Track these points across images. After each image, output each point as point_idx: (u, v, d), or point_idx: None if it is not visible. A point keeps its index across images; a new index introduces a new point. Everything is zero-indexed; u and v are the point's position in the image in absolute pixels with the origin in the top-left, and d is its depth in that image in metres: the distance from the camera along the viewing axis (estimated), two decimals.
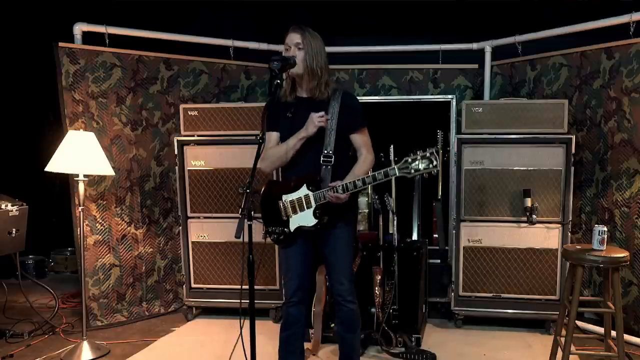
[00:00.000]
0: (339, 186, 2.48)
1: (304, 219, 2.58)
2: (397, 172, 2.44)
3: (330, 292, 3.51)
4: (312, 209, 2.56)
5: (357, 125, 2.65)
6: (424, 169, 2.41)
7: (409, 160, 2.43)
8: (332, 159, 2.56)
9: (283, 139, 2.67)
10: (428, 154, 2.40)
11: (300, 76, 2.58)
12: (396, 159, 3.57)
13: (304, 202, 2.57)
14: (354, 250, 2.83)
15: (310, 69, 2.54)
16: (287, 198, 2.60)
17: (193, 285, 4.10)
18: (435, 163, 2.40)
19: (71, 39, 3.89)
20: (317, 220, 2.56)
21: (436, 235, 4.26)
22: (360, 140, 2.66)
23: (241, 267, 3.98)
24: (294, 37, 2.55)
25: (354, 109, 2.65)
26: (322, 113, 2.54)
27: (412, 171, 2.42)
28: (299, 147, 2.57)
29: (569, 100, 3.85)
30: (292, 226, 2.62)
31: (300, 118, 2.60)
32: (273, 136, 2.70)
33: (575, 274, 2.84)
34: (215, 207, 4.03)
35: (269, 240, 2.70)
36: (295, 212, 2.59)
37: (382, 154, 3.92)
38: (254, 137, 3.78)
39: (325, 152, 2.56)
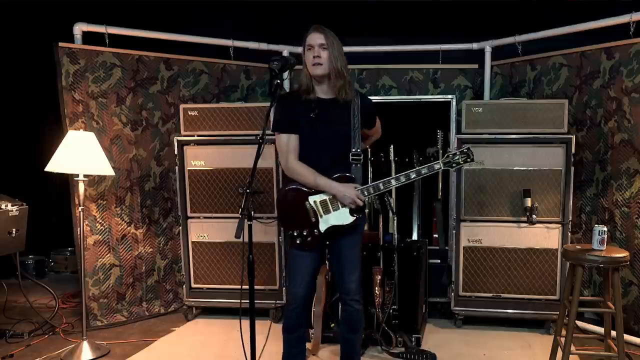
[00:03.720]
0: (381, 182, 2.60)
1: (339, 217, 2.57)
2: (442, 165, 2.66)
3: (331, 293, 3.52)
4: (348, 207, 2.56)
5: (374, 122, 2.81)
6: (464, 162, 2.68)
7: (450, 155, 2.68)
8: (362, 157, 2.60)
9: (303, 140, 2.60)
10: (465, 150, 2.68)
11: (324, 76, 2.53)
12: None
13: (337, 200, 2.56)
14: None
15: (336, 69, 2.51)
16: (317, 198, 2.57)
17: (193, 285, 4.10)
18: (472, 157, 2.68)
19: (71, 39, 3.89)
20: (354, 218, 2.57)
21: (436, 235, 4.26)
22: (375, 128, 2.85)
23: (241, 267, 3.98)
24: (317, 38, 2.50)
25: (371, 109, 2.75)
26: (361, 197, 2.56)
27: (454, 165, 2.68)
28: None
29: (569, 100, 3.85)
30: (323, 226, 2.58)
31: (324, 119, 2.56)
32: (292, 138, 2.60)
33: (575, 274, 2.84)
34: (215, 207, 4.03)
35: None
36: (327, 211, 2.57)
37: (382, 154, 3.93)
38: (254, 137, 3.84)
39: (354, 150, 2.59)
